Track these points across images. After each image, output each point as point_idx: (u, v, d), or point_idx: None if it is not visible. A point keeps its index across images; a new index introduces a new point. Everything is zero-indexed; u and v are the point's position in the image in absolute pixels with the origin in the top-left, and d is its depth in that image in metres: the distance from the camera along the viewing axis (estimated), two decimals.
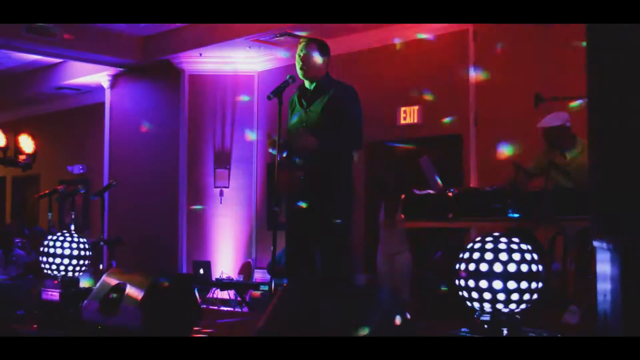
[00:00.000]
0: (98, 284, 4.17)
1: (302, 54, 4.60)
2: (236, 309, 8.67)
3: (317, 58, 4.60)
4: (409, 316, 2.92)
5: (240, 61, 9.92)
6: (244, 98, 10.07)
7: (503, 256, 2.72)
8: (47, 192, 7.55)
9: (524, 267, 2.72)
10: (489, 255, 2.73)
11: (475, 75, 7.78)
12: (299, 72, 4.61)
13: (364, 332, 2.72)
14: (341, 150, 4.55)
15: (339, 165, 4.53)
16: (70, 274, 4.47)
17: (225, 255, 9.98)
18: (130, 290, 3.92)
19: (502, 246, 2.75)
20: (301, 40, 4.72)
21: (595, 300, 2.56)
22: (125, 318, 3.85)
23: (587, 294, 5.01)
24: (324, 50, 4.65)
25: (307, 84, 4.66)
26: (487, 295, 2.74)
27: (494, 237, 2.79)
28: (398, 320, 2.81)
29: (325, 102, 4.53)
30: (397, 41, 8.46)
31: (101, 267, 8.10)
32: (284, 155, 4.56)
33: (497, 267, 2.72)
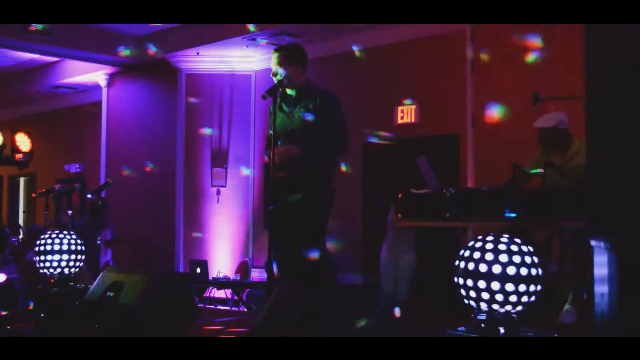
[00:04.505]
0: (95, 282, 4.17)
1: (273, 66, 4.61)
2: (233, 308, 8.67)
3: (289, 66, 4.57)
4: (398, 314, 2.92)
5: (237, 60, 9.92)
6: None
7: (503, 257, 2.72)
8: (44, 190, 7.53)
9: (524, 270, 2.71)
10: (489, 256, 2.73)
11: (472, 74, 7.78)
12: (276, 82, 4.59)
13: (363, 323, 2.72)
14: (325, 154, 4.54)
15: (316, 165, 4.53)
16: (65, 271, 4.47)
17: (222, 254, 9.97)
18: None
19: (502, 247, 2.74)
20: (272, 51, 4.72)
21: (592, 300, 2.56)
22: None
23: (583, 294, 5.02)
24: (293, 56, 4.61)
25: (288, 90, 4.65)
26: (485, 296, 2.74)
27: (495, 237, 2.79)
28: (397, 312, 2.80)
29: (308, 108, 4.52)
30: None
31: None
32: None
33: (497, 269, 2.71)
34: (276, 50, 4.68)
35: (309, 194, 4.49)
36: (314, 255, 4.49)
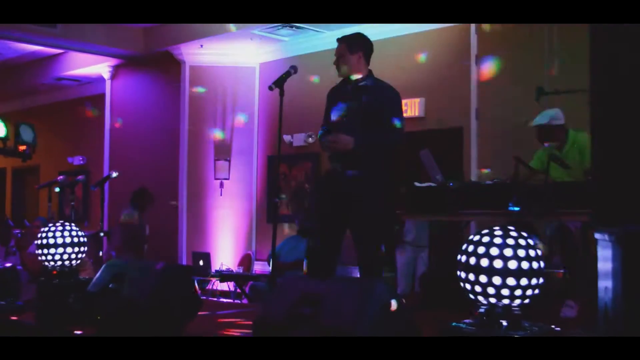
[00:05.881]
0: (98, 274, 4.17)
1: (335, 54, 4.60)
2: (236, 301, 8.68)
3: (349, 56, 4.55)
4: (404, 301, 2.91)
5: (241, 53, 9.89)
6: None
7: (508, 252, 2.70)
8: (47, 182, 7.54)
9: (526, 264, 2.70)
10: (492, 250, 2.72)
11: (477, 68, 7.76)
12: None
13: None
14: (378, 148, 4.51)
15: (378, 162, 4.50)
16: (67, 263, 4.46)
17: (225, 247, 9.98)
18: None
19: (509, 241, 2.73)
20: (336, 39, 4.68)
21: (588, 294, 2.56)
22: None
23: (582, 287, 5.01)
24: (356, 46, 4.58)
25: (350, 78, 4.61)
26: (489, 290, 2.73)
27: (497, 230, 2.78)
28: (394, 305, 2.80)
29: (366, 101, 4.49)
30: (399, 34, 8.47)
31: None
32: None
33: (499, 264, 2.70)
34: (339, 40, 4.65)
35: (368, 184, 4.43)
36: (378, 249, 4.47)
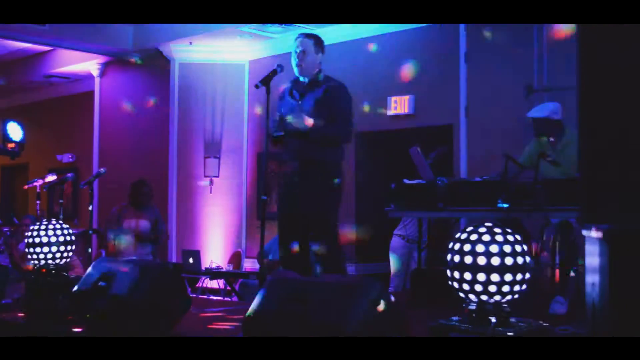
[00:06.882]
0: (87, 272, 4.16)
1: (298, 51, 4.61)
2: (225, 299, 8.67)
3: (313, 55, 4.62)
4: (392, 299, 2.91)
5: (230, 50, 9.88)
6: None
7: (494, 249, 2.71)
8: (35, 180, 7.49)
9: (513, 260, 2.72)
10: (479, 248, 2.73)
11: (466, 65, 7.77)
12: (295, 69, 4.62)
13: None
14: (331, 139, 4.58)
15: (326, 156, 4.57)
16: (56, 262, 4.45)
17: (215, 244, 9.96)
18: None
19: (493, 238, 2.74)
20: (298, 35, 4.73)
21: (580, 291, 2.57)
22: None
23: (572, 284, 5.03)
24: (320, 46, 4.69)
25: (301, 77, 4.67)
26: (476, 287, 2.75)
27: (483, 228, 2.79)
28: (382, 306, 2.80)
29: (317, 98, 4.54)
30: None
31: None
32: (280, 135, 4.60)
33: (487, 260, 2.71)
34: (307, 36, 4.73)
35: (316, 185, 4.52)
36: (321, 247, 4.50)
